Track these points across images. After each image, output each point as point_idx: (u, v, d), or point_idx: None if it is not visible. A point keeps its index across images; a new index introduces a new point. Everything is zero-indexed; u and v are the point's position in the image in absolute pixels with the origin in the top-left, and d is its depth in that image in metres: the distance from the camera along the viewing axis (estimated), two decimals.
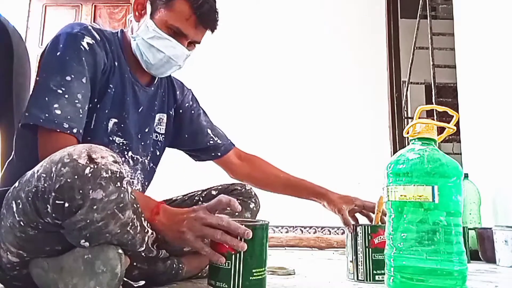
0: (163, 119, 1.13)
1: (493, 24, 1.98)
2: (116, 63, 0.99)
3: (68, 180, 0.69)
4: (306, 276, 1.19)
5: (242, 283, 0.78)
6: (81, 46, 0.91)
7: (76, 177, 0.69)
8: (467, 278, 0.83)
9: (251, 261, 0.79)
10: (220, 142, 1.22)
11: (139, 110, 1.05)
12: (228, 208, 0.83)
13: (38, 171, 0.73)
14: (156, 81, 1.10)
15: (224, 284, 0.78)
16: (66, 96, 0.86)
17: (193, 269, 1.02)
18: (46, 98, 0.85)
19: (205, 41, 1.04)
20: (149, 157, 1.08)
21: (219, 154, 1.22)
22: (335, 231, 2.81)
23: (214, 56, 2.97)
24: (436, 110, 2.15)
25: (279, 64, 3.10)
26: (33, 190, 0.72)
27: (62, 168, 0.69)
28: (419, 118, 0.91)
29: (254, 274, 0.79)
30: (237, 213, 0.94)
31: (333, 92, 3.06)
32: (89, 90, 0.91)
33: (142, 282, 0.92)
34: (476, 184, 1.89)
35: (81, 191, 0.69)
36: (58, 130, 0.84)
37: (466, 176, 1.88)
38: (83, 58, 0.91)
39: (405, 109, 3.32)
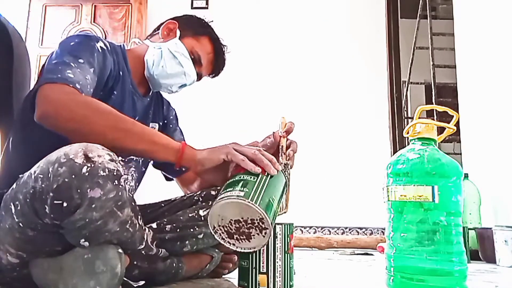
0: (155, 128, 1.20)
1: (493, 24, 1.98)
2: (121, 73, 1.04)
3: (66, 179, 0.69)
4: (306, 276, 1.19)
5: (262, 196, 0.73)
6: (95, 46, 0.96)
7: (73, 176, 0.69)
8: (467, 278, 0.83)
9: (273, 190, 0.77)
10: None
11: (135, 119, 1.08)
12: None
13: (35, 172, 0.73)
14: (151, 93, 1.18)
15: (246, 188, 0.74)
16: (78, 70, 0.87)
17: (193, 268, 1.01)
18: (60, 67, 0.86)
19: None
20: (141, 161, 1.13)
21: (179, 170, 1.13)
22: (335, 231, 2.81)
23: None
24: (436, 110, 2.15)
25: (279, 64, 3.10)
26: (31, 191, 0.71)
27: (59, 168, 0.69)
28: (419, 118, 0.91)
29: (273, 201, 0.75)
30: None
31: (333, 92, 3.06)
32: (95, 81, 0.93)
33: (142, 282, 0.93)
34: (476, 184, 1.89)
35: (79, 190, 0.69)
36: (71, 85, 0.83)
37: (466, 176, 1.88)
38: (95, 55, 0.94)
39: (405, 109, 3.31)
